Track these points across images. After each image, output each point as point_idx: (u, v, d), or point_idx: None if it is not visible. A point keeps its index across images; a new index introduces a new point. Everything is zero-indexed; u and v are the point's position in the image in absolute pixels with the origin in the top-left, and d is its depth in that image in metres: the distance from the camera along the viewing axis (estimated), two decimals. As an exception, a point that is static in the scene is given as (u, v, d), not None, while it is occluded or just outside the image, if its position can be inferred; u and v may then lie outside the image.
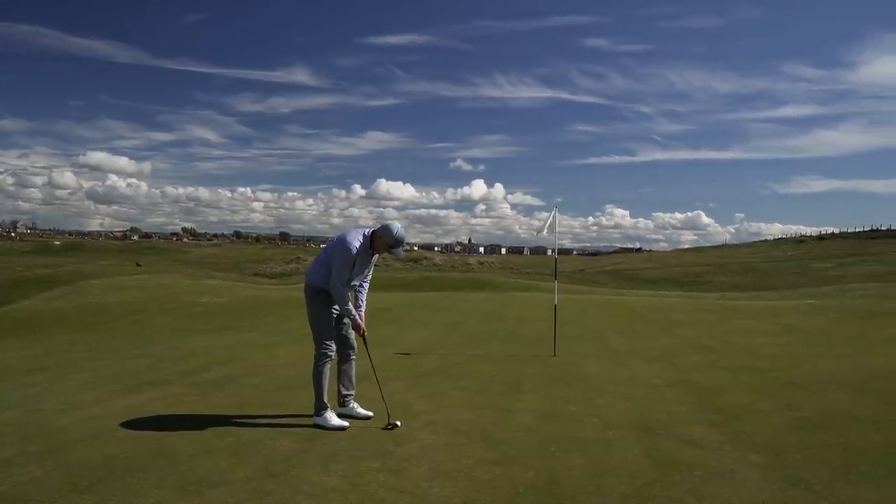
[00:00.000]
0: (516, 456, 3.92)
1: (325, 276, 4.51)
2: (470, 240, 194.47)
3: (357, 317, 4.58)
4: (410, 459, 3.82)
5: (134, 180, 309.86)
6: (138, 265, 47.21)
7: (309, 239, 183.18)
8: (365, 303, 4.82)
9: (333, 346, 4.60)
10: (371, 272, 4.83)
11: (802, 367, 7.70)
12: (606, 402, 5.53)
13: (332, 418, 4.49)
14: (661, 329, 11.99)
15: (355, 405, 4.81)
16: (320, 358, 4.56)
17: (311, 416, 4.57)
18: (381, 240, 4.52)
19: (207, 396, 5.48)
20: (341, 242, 4.47)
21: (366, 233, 4.56)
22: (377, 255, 4.69)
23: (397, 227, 4.52)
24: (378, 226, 4.58)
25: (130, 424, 4.47)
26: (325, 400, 4.53)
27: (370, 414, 4.77)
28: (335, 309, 4.60)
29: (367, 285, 4.85)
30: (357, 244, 4.44)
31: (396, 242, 4.50)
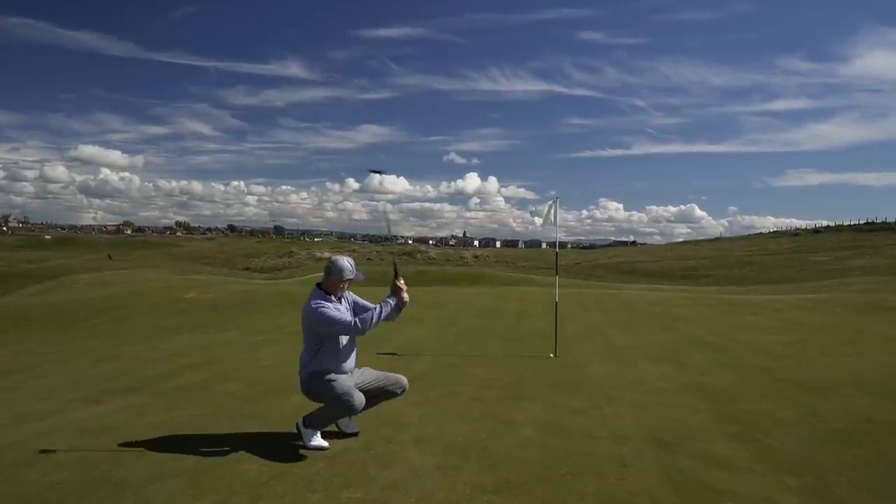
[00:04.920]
0: (519, 481, 3.42)
1: (317, 357, 3.99)
2: (464, 233, 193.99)
3: (389, 303, 4.00)
4: (397, 486, 3.31)
5: (127, 174, 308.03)
6: (110, 258, 46.76)
7: (303, 233, 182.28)
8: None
9: (361, 399, 3.95)
10: (366, 302, 4.25)
11: (816, 367, 7.27)
12: (615, 411, 5.05)
13: (315, 438, 3.95)
14: (662, 325, 11.55)
15: (347, 418, 4.26)
16: (348, 409, 3.96)
17: (292, 426, 4.05)
18: (329, 280, 4.07)
19: (175, 406, 4.94)
20: (307, 309, 3.99)
21: (315, 294, 4.06)
22: (346, 298, 4.19)
23: (334, 260, 4.12)
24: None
25: (80, 442, 3.93)
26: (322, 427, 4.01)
27: (357, 429, 4.25)
28: (343, 375, 4.01)
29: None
30: (319, 298, 4.00)
31: (340, 271, 4.03)
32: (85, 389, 5.64)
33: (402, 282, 4.08)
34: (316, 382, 3.96)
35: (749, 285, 29.78)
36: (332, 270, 4.06)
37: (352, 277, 4.06)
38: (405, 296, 4.07)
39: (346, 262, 4.10)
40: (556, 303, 8.39)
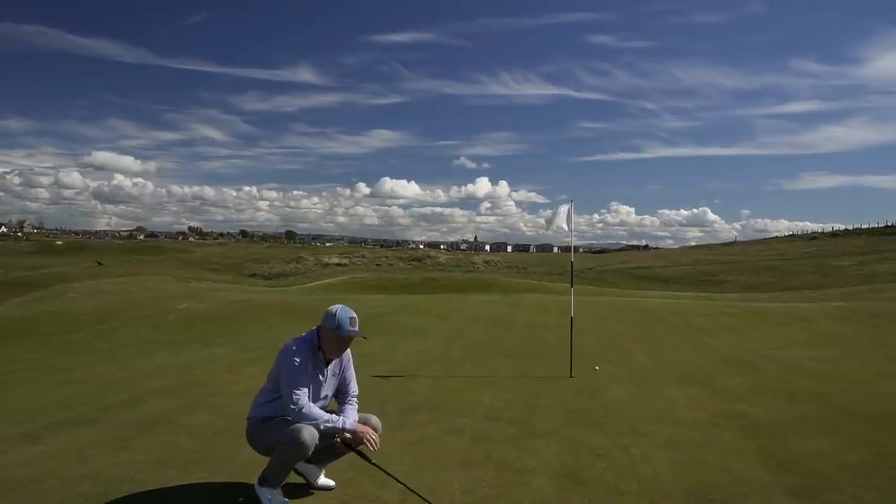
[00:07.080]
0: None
1: (273, 403, 3.28)
2: (476, 237, 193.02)
3: (344, 422, 3.20)
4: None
5: (140, 180, 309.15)
6: (99, 264, 46.64)
7: (315, 237, 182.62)
8: (353, 415, 3.36)
9: (311, 434, 3.11)
10: (353, 386, 3.49)
11: (870, 391, 6.41)
12: (644, 453, 4.24)
13: (275, 498, 3.18)
14: (686, 339, 10.69)
15: (317, 469, 3.49)
16: (297, 448, 3.10)
17: (251, 476, 3.32)
18: (324, 332, 3.26)
19: (124, 447, 4.20)
20: (284, 348, 3.28)
21: (305, 336, 3.33)
22: (341, 361, 3.41)
23: (335, 307, 3.29)
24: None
25: (-12, 503, 3.20)
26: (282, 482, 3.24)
27: (331, 484, 3.47)
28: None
29: (353, 402, 3.46)
30: (304, 348, 3.24)
31: (338, 324, 3.22)
32: (32, 421, 4.92)
33: (367, 448, 3.20)
34: (261, 428, 3.23)
35: (771, 292, 28.71)
36: (326, 318, 3.26)
37: (346, 335, 3.24)
38: (362, 433, 3.20)
39: (343, 313, 3.23)
40: (572, 318, 7.58)
